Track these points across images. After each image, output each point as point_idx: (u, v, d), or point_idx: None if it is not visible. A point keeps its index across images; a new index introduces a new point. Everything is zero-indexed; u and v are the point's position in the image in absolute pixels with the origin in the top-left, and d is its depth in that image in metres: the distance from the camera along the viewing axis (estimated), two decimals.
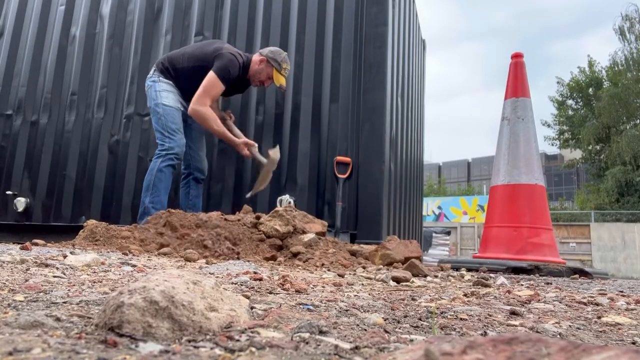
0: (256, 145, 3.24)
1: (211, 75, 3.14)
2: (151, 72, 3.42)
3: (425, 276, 1.79)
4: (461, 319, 0.90)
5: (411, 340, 0.64)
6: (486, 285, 1.62)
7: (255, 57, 3.30)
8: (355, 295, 1.14)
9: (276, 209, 2.42)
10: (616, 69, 20.86)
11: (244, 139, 3.23)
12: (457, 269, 2.62)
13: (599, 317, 1.02)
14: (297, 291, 1.12)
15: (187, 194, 3.50)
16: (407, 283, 1.53)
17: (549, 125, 24.61)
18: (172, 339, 0.54)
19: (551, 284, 1.94)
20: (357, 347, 0.55)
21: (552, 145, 25.30)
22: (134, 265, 1.46)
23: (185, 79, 3.30)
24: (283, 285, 1.19)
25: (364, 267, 1.97)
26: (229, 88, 3.29)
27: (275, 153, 3.21)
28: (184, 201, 3.49)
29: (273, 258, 2.08)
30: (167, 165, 3.16)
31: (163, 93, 3.26)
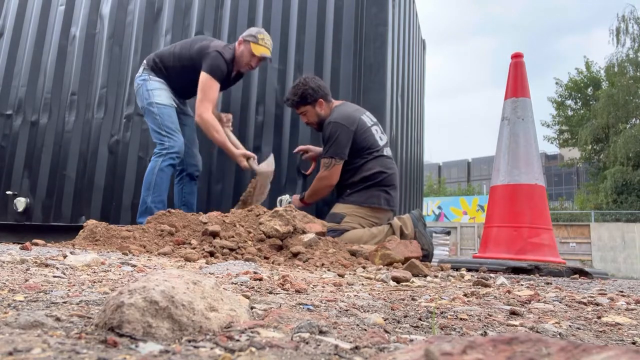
0: (255, 157, 3.20)
1: (204, 77, 3.12)
2: (140, 70, 3.37)
3: (425, 276, 1.79)
4: (461, 319, 0.90)
5: (411, 340, 0.64)
6: (486, 285, 1.62)
7: (236, 45, 3.28)
8: (355, 295, 1.14)
9: (276, 209, 2.42)
10: (611, 70, 20.88)
11: (242, 150, 3.20)
12: (457, 269, 2.62)
13: (599, 317, 1.02)
14: (297, 291, 1.12)
15: (181, 191, 3.47)
16: (407, 283, 1.53)
17: (548, 126, 24.63)
18: (172, 339, 0.54)
19: (551, 284, 1.94)
20: (357, 347, 0.55)
21: (552, 143, 25.37)
22: (134, 265, 1.46)
23: (176, 78, 3.28)
24: (283, 285, 1.19)
25: (364, 267, 1.97)
26: (224, 84, 3.29)
27: (268, 165, 3.17)
28: (178, 199, 3.46)
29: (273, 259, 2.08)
30: (168, 164, 3.14)
31: (155, 92, 3.23)
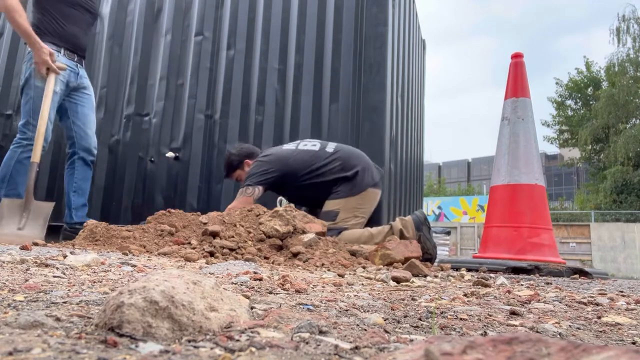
0: (54, 54, 2.86)
1: None
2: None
3: (425, 276, 1.79)
4: (461, 319, 0.90)
5: (411, 340, 0.64)
6: (486, 285, 1.62)
7: None
8: (355, 295, 1.14)
9: (276, 209, 2.42)
10: (611, 70, 20.90)
11: (48, 50, 2.82)
12: (457, 269, 2.62)
13: (599, 317, 1.02)
14: (297, 291, 1.12)
15: (72, 176, 3.14)
16: (407, 283, 1.53)
17: (548, 126, 24.64)
18: (172, 339, 0.54)
19: (551, 284, 1.94)
20: (357, 347, 0.55)
21: (552, 143, 25.39)
22: (134, 265, 1.46)
23: (49, 20, 2.95)
24: (283, 285, 1.19)
25: (364, 267, 1.97)
26: None
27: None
28: (68, 184, 3.13)
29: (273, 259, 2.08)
30: (28, 157, 2.86)
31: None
